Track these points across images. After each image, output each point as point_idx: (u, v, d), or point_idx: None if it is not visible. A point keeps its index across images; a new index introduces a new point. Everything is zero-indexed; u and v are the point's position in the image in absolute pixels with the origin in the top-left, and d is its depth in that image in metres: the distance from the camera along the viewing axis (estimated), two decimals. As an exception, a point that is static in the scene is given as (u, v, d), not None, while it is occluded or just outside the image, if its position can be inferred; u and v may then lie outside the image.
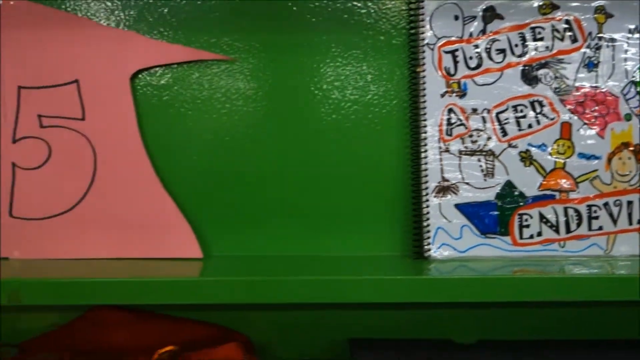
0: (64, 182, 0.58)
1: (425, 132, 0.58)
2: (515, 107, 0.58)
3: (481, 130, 0.58)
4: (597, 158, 0.58)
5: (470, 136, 0.58)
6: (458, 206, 0.58)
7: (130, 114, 0.58)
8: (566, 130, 0.58)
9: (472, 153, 0.58)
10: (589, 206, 0.58)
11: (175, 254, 0.58)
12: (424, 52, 0.58)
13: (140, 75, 0.59)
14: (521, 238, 0.58)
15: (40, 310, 0.62)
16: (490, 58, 0.58)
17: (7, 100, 0.58)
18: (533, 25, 0.58)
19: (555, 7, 0.58)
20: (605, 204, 0.58)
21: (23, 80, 0.58)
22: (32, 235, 0.58)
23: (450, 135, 0.58)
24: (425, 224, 0.57)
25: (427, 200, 0.57)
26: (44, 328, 0.61)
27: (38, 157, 0.58)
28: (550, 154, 0.58)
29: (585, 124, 0.58)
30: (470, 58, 0.58)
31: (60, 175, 0.58)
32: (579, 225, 0.58)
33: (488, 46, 0.58)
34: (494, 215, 0.58)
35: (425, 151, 0.58)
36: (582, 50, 0.58)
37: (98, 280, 0.50)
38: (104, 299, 0.50)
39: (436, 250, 0.57)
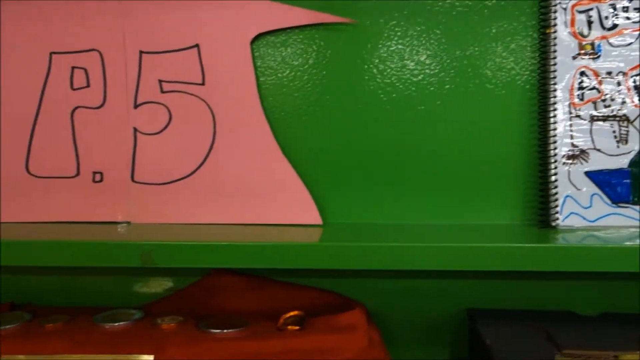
0: (184, 148, 0.58)
1: (554, 97, 0.55)
2: (652, 70, 0.55)
3: (615, 95, 0.55)
4: None
5: (603, 100, 0.55)
6: (588, 174, 0.55)
7: (250, 78, 0.58)
8: None
9: (605, 118, 0.55)
10: None
11: (295, 220, 0.57)
12: (555, 12, 0.55)
13: (260, 39, 0.59)
14: (656, 208, 0.55)
15: (163, 274, 0.63)
16: (628, 18, 0.55)
17: (129, 66, 0.58)
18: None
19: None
20: None
21: (145, 45, 0.58)
22: (152, 200, 0.59)
23: (582, 99, 0.55)
24: (553, 192, 0.55)
25: (556, 168, 0.55)
26: (163, 293, 0.64)
27: (159, 122, 0.59)
28: (688, 120, 0.55)
29: None
30: (606, 18, 0.55)
31: (180, 140, 0.58)
32: None
33: (626, 5, 0.55)
34: (627, 184, 0.55)
35: (555, 116, 0.55)
36: None
37: (227, 243, 0.50)
38: (230, 262, 0.51)
39: (564, 219, 0.55)
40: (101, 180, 0.59)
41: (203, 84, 0.58)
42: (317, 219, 0.57)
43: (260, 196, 0.57)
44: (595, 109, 0.55)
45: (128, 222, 0.59)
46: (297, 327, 0.52)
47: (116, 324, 0.55)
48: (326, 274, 0.61)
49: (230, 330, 0.52)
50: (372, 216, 0.60)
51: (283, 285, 0.60)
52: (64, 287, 0.64)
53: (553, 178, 0.55)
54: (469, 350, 0.60)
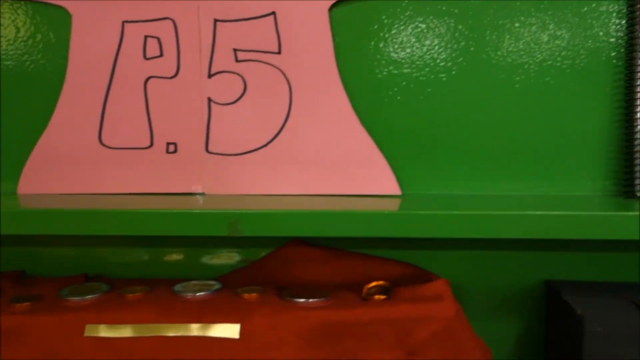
0: (259, 118, 0.58)
1: (641, 63, 0.54)
2: None
3: None
4: None
5: (693, 67, 0.54)
6: (676, 143, 0.54)
7: (328, 47, 0.57)
8: None
9: (695, 86, 0.54)
10: None
11: (373, 190, 0.57)
12: (645, -25, 0.54)
13: (338, 7, 0.58)
14: None
15: (232, 246, 0.63)
16: None
17: (203, 35, 0.57)
18: None
19: None
20: None
21: (219, 14, 0.57)
22: (227, 171, 0.58)
23: (671, 66, 0.54)
24: (638, 161, 0.54)
25: (642, 137, 0.54)
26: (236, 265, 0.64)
27: (233, 92, 0.58)
28: None
29: None
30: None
31: (256, 110, 0.58)
32: None
33: None
34: None
35: (642, 83, 0.54)
36: None
37: (315, 211, 0.50)
38: (315, 230, 0.50)
39: (650, 190, 0.54)
40: (175, 151, 0.59)
41: (279, 52, 0.57)
42: (396, 189, 0.56)
43: (337, 166, 0.57)
44: (685, 76, 0.54)
45: (202, 194, 0.59)
46: (383, 297, 0.52)
47: (197, 294, 0.55)
48: (401, 246, 0.61)
49: (314, 300, 0.52)
50: (449, 188, 0.59)
51: (359, 256, 0.59)
52: (136, 260, 0.64)
53: (638, 148, 0.54)
54: (545, 323, 0.60)
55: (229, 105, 0.58)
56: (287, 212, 0.50)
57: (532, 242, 0.59)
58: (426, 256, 0.60)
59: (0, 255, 0.64)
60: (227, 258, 0.63)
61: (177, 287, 0.56)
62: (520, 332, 0.61)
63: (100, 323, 0.52)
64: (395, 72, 0.58)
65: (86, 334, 0.51)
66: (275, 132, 0.58)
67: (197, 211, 0.50)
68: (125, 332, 0.52)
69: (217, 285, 0.57)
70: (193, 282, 0.58)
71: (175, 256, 0.64)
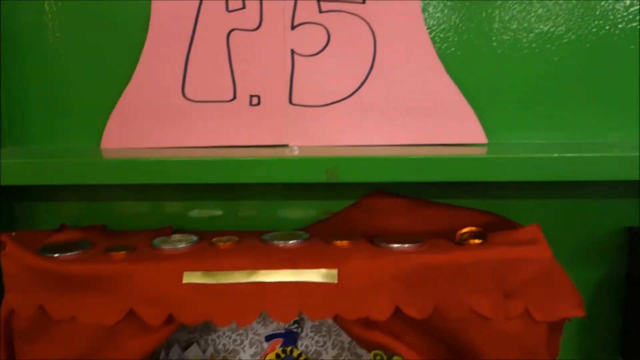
0: (343, 68, 0.58)
1: None
2: None
3: None
4: None
5: None
6: None
7: (414, -5, 0.57)
8: None
9: None
10: None
11: (459, 139, 0.57)
12: None
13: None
14: None
15: (311, 198, 0.64)
16: None
17: (287, -14, 0.58)
18: None
19: None
20: None
21: (304, -36, 0.57)
22: (311, 122, 0.59)
23: None
24: None
25: None
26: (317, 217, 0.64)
27: (317, 43, 0.58)
28: None
29: None
30: None
31: (339, 61, 0.58)
32: None
33: None
34: None
35: None
36: None
37: (414, 157, 0.50)
38: (413, 175, 0.50)
39: None
40: (258, 104, 0.59)
41: (363, 2, 0.57)
42: (482, 138, 0.57)
43: (423, 115, 0.57)
44: None
45: (286, 145, 0.59)
46: (478, 241, 0.52)
47: (289, 242, 0.56)
48: (483, 195, 0.61)
49: (409, 245, 0.53)
50: (534, 136, 0.59)
51: (443, 206, 0.60)
52: (210, 215, 0.65)
53: None
54: (627, 269, 0.60)
55: (313, 57, 0.58)
56: (386, 158, 0.50)
57: (614, 189, 0.60)
58: (508, 205, 0.61)
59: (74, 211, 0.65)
60: (300, 212, 0.64)
61: (266, 237, 0.57)
62: (602, 279, 0.62)
63: (197, 270, 0.53)
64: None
65: (184, 280, 0.53)
66: (360, 82, 0.58)
67: (296, 158, 0.51)
68: (223, 278, 0.53)
69: (305, 235, 0.57)
70: (279, 232, 0.59)
71: (250, 210, 0.64)
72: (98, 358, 0.53)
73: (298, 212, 0.63)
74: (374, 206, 0.60)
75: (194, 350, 0.61)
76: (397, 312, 0.51)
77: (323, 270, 0.52)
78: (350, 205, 0.61)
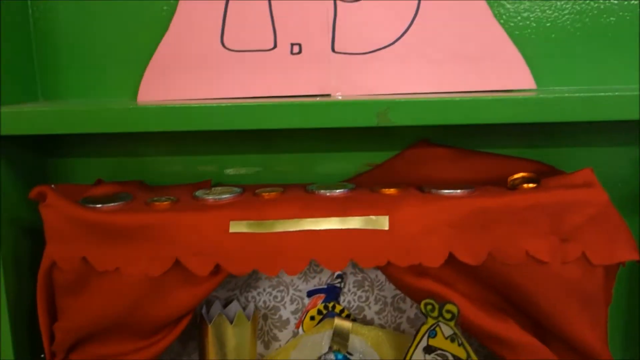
0: (386, 14, 0.56)
1: None
2: None
3: None
4: None
5: None
6: None
7: None
8: None
9: None
10: None
11: (508, 85, 0.56)
12: None
13: None
14: None
15: (350, 150, 0.63)
16: None
17: None
18: None
19: None
20: None
21: None
22: (355, 70, 0.57)
23: None
24: None
25: None
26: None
27: (360, -12, 0.57)
28: None
29: None
30: None
31: (383, 7, 0.56)
32: None
33: None
34: None
35: None
36: None
37: (468, 99, 0.49)
38: (467, 118, 0.50)
39: None
40: (300, 52, 0.57)
41: (408, -55, 0.55)
42: (531, 83, 0.55)
43: (470, 61, 0.56)
44: None
45: (328, 95, 0.58)
46: (532, 185, 0.51)
47: (336, 191, 0.55)
48: (528, 144, 0.60)
49: (460, 191, 0.52)
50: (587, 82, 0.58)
51: (490, 155, 0.59)
52: (248, 172, 0.64)
53: None
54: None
55: (355, 3, 0.56)
56: (438, 100, 0.49)
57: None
58: (554, 155, 0.60)
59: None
60: (346, 165, 0.62)
61: (311, 187, 0.56)
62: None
63: (244, 219, 0.52)
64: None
65: (231, 230, 0.51)
66: (404, 28, 0.56)
67: (346, 101, 0.50)
68: (270, 227, 0.51)
69: (351, 185, 0.56)
70: (324, 184, 0.58)
71: (287, 165, 0.63)
72: (143, 312, 0.52)
73: (338, 165, 0.62)
74: (418, 156, 0.59)
75: (234, 308, 0.60)
76: (450, 259, 0.50)
77: (373, 217, 0.51)
78: (393, 156, 0.60)
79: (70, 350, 0.54)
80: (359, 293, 0.62)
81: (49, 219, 0.52)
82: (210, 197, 0.54)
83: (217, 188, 0.57)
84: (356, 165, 0.62)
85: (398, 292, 0.61)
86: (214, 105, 0.50)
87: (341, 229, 0.51)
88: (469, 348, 0.51)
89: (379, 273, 0.60)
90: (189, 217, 0.51)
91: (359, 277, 0.61)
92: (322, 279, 0.62)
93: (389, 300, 0.62)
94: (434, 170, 0.58)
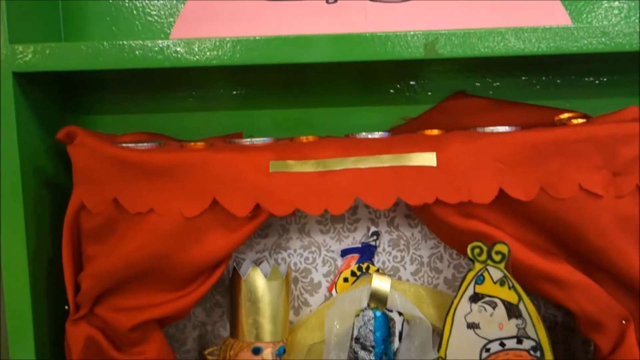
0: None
1: None
2: None
3: None
4: None
5: None
6: None
7: None
8: None
9: None
10: None
11: (543, 21, 0.55)
12: None
13: None
14: None
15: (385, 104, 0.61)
16: None
17: None
18: None
19: None
20: None
21: None
22: (391, 18, 0.57)
23: None
24: None
25: None
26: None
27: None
28: None
29: None
30: None
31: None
32: None
33: None
34: None
35: None
36: None
37: (510, 28, 0.49)
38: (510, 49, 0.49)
39: None
40: (335, 1, 0.57)
41: None
42: (566, 19, 0.55)
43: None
44: None
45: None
46: (582, 120, 0.50)
47: (376, 134, 0.53)
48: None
49: (508, 128, 0.50)
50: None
51: (529, 105, 0.58)
52: (282, 124, 0.62)
53: None
54: None
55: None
56: (486, 29, 0.48)
57: None
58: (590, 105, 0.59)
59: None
60: (381, 118, 0.61)
61: (349, 134, 0.54)
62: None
63: (284, 159, 0.50)
64: None
65: (271, 169, 0.49)
66: (440, -24, 0.56)
67: (393, 33, 0.49)
68: (312, 167, 0.49)
69: (386, 134, 0.55)
70: (358, 133, 0.56)
71: (321, 117, 0.61)
72: (176, 258, 0.49)
73: (373, 118, 0.60)
74: (457, 108, 0.58)
75: (264, 269, 0.57)
76: (500, 197, 0.48)
77: (420, 154, 0.49)
78: (429, 109, 0.59)
79: (95, 303, 0.50)
80: (394, 253, 0.59)
81: (79, 159, 0.49)
82: (245, 141, 0.52)
83: (250, 138, 0.55)
84: (391, 119, 0.60)
85: (435, 251, 0.58)
86: (249, 37, 0.48)
87: (387, 167, 0.49)
88: (520, 290, 0.49)
89: (415, 231, 0.58)
90: (226, 156, 0.49)
91: (394, 235, 0.59)
92: (356, 238, 0.59)
93: (425, 260, 0.59)
94: (472, 122, 0.57)
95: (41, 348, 0.52)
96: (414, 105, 0.60)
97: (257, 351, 0.53)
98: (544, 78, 0.61)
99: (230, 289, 0.55)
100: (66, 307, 0.50)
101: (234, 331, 0.54)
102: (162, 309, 0.50)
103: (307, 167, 0.49)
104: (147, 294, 0.50)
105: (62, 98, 0.59)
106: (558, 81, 0.61)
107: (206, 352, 0.55)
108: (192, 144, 0.51)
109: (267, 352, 0.53)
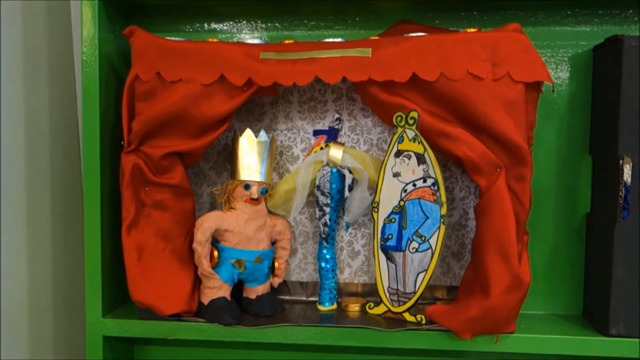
0: None
1: None
2: None
3: None
4: None
5: None
6: None
7: None
8: None
9: None
10: None
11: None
12: None
13: None
14: None
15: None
16: None
17: None
18: None
19: None
20: None
21: None
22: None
23: None
24: None
25: None
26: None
27: None
28: None
29: None
30: None
31: None
32: None
33: None
34: None
35: None
36: None
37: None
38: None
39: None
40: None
41: None
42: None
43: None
44: None
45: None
46: (475, 29, 0.71)
47: (338, 39, 0.76)
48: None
49: (422, 34, 0.72)
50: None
51: (448, 30, 0.80)
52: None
53: None
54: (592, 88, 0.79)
55: None
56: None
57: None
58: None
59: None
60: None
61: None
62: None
63: (270, 51, 0.73)
64: None
65: (261, 57, 0.73)
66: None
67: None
68: (288, 56, 0.73)
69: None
70: (329, 43, 0.79)
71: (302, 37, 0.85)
72: (194, 112, 0.73)
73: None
74: (400, 30, 0.79)
75: (262, 135, 0.80)
76: (414, 80, 0.70)
77: (361, 49, 0.72)
78: (379, 34, 0.81)
79: (140, 142, 0.75)
80: (352, 136, 0.82)
81: (137, 46, 0.75)
82: (248, 41, 0.77)
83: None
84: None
85: (382, 135, 0.80)
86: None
87: (338, 57, 0.72)
88: (425, 144, 0.70)
89: (368, 120, 0.81)
90: (232, 47, 0.74)
91: (353, 123, 0.81)
92: (325, 124, 0.82)
93: (374, 142, 0.81)
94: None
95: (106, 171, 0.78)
96: (372, 31, 0.83)
97: (247, 187, 0.77)
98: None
99: (232, 146, 0.79)
100: (122, 143, 0.75)
101: (233, 173, 0.78)
102: (183, 147, 0.74)
103: (285, 56, 0.73)
104: (174, 138, 0.75)
105: (129, 16, 0.85)
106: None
107: (214, 189, 0.79)
108: (210, 39, 0.76)
109: (254, 190, 0.77)
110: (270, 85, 0.73)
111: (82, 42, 0.76)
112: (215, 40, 0.76)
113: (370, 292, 0.83)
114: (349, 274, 0.84)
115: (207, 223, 0.75)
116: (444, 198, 0.70)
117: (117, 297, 0.82)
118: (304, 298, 0.85)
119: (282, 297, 0.85)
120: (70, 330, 0.92)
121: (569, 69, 0.81)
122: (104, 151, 0.78)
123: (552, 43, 0.81)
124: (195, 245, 0.75)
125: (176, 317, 0.76)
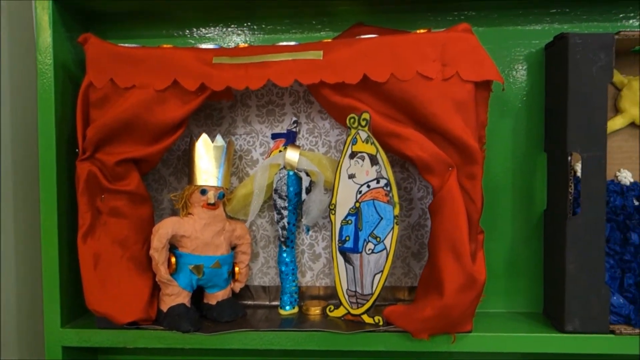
0: None
1: None
2: None
3: None
4: None
5: None
6: None
7: None
8: None
9: None
10: None
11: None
12: None
13: None
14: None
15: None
16: None
17: None
18: None
19: None
20: None
21: None
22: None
23: None
24: None
25: None
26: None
27: None
28: None
29: None
30: None
31: None
32: None
33: None
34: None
35: None
36: None
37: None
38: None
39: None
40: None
41: None
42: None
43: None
44: None
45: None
46: (425, 30, 0.72)
47: (292, 43, 0.76)
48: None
49: (373, 36, 0.73)
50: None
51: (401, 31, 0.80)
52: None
53: None
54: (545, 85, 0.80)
55: None
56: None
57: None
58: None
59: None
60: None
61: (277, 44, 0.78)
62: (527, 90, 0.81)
63: (223, 55, 0.74)
64: None
65: (214, 62, 0.73)
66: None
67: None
68: (241, 60, 0.73)
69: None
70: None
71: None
72: (148, 117, 0.73)
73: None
74: (355, 32, 0.79)
75: (218, 139, 0.80)
76: (366, 82, 0.70)
77: (312, 52, 0.72)
78: (338, 35, 0.82)
79: (95, 149, 0.75)
80: (310, 138, 0.82)
81: (90, 53, 0.75)
82: (202, 45, 0.77)
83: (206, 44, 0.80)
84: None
85: (339, 137, 0.81)
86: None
87: (290, 60, 0.72)
88: (377, 145, 0.71)
89: (326, 122, 0.81)
90: (185, 52, 0.74)
91: (311, 125, 0.82)
92: (283, 127, 0.82)
93: (332, 143, 0.82)
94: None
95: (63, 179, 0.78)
96: (329, 33, 0.83)
97: (204, 192, 0.76)
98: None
99: (189, 151, 0.79)
100: (77, 150, 0.75)
101: (190, 179, 0.78)
102: (138, 153, 0.74)
103: (238, 60, 0.73)
104: (129, 145, 0.75)
105: (87, 24, 0.85)
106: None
107: (171, 195, 0.79)
108: (164, 45, 0.75)
109: (211, 194, 0.76)
110: (224, 90, 0.73)
111: (38, 50, 0.76)
112: (169, 46, 0.76)
113: (332, 295, 0.83)
114: (311, 277, 0.83)
115: (164, 229, 0.75)
116: (396, 198, 0.70)
117: (78, 306, 0.81)
118: (267, 302, 0.85)
119: (245, 302, 0.84)
120: (34, 341, 0.92)
121: (523, 67, 0.82)
122: (61, 159, 0.78)
123: (505, 42, 0.82)
124: (152, 252, 0.75)
125: (134, 325, 0.76)
